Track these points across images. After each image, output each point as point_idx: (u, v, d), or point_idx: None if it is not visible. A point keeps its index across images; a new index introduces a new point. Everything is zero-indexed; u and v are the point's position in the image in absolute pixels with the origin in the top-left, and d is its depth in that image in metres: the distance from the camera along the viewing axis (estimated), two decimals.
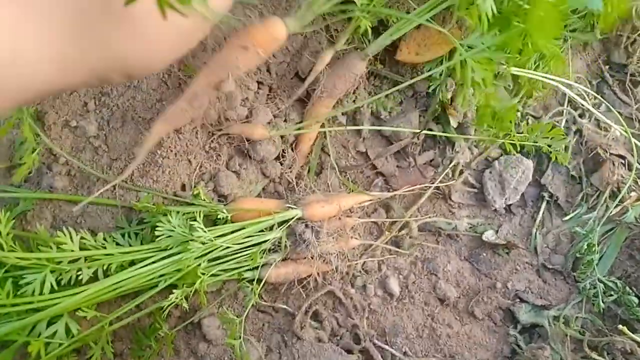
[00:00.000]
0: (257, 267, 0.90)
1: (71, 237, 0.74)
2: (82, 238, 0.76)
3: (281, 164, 0.99)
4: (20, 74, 0.41)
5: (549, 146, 1.09)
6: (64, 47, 0.43)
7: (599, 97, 1.23)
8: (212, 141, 0.93)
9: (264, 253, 0.90)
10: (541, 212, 1.16)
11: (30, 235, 0.77)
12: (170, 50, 0.51)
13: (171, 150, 0.88)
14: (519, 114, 1.21)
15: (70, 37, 0.43)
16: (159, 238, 0.80)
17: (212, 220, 0.88)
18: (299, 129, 0.97)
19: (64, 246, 0.73)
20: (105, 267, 0.76)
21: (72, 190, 0.84)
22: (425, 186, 1.08)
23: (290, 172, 1.01)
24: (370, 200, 1.02)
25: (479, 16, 0.80)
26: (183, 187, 0.90)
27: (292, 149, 1.01)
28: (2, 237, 0.71)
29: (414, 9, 0.86)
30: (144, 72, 0.52)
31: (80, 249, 0.76)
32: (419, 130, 1.05)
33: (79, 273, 0.74)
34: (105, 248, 0.78)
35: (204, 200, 0.89)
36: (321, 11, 0.72)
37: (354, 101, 1.03)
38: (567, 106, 1.23)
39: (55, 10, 0.41)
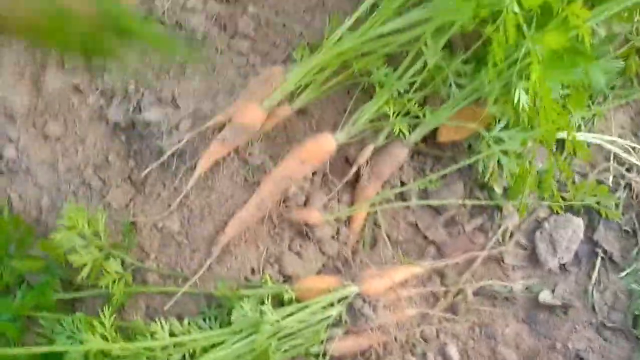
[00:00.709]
0: (321, 342, 0.99)
1: (162, 326, 0.86)
2: (171, 325, 0.89)
3: (337, 241, 1.09)
4: None
5: (598, 203, 1.13)
6: None
7: None
8: (275, 226, 1.05)
9: (327, 328, 0.99)
10: (596, 269, 1.18)
11: (129, 325, 0.91)
12: None
13: (241, 239, 1.01)
14: (564, 175, 1.25)
15: None
16: (234, 322, 0.92)
17: (279, 301, 0.99)
18: (351, 209, 1.07)
19: (156, 335, 0.86)
20: (191, 351, 0.88)
21: (161, 282, 0.98)
22: (477, 253, 1.14)
23: (346, 247, 1.10)
24: (423, 270, 1.09)
25: (515, 109, 0.88)
26: (253, 271, 1.02)
27: (346, 226, 1.11)
28: (106, 329, 0.85)
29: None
30: None
31: (170, 335, 0.88)
32: (463, 202, 1.12)
33: (169, 357, 0.86)
34: (190, 333, 0.90)
35: (271, 282, 1.00)
36: (364, 126, 0.84)
37: (400, 179, 1.12)
38: (613, 162, 1.25)
39: None
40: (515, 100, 0.87)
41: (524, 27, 0.78)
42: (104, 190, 1.01)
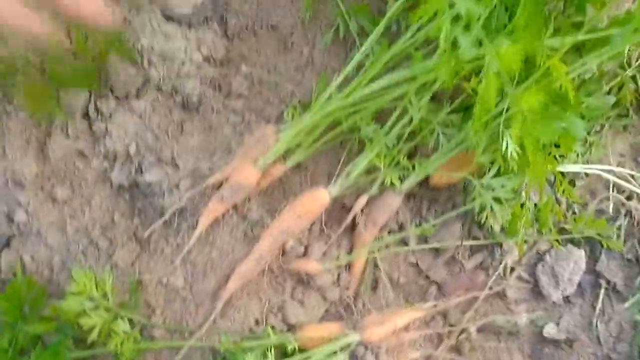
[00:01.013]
0: None
1: None
2: None
3: (338, 286, 1.12)
4: None
5: (599, 234, 1.13)
6: None
7: None
8: (276, 277, 1.08)
9: None
10: (600, 300, 1.18)
11: None
12: None
13: (243, 292, 1.04)
14: (563, 205, 1.25)
15: None
16: None
17: (283, 352, 1.02)
18: (349, 256, 1.10)
19: None
20: None
21: (168, 337, 1.02)
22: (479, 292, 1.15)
23: (348, 292, 1.12)
24: (426, 313, 1.10)
25: (503, 157, 0.90)
26: (257, 322, 1.05)
27: (346, 271, 1.13)
28: None
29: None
30: None
31: None
32: (462, 243, 1.13)
33: None
34: None
35: (274, 332, 1.03)
36: (356, 180, 0.87)
37: (397, 221, 1.14)
38: (612, 190, 1.25)
39: None
40: (503, 150, 0.88)
41: (506, 84, 0.80)
42: (110, 249, 1.05)
